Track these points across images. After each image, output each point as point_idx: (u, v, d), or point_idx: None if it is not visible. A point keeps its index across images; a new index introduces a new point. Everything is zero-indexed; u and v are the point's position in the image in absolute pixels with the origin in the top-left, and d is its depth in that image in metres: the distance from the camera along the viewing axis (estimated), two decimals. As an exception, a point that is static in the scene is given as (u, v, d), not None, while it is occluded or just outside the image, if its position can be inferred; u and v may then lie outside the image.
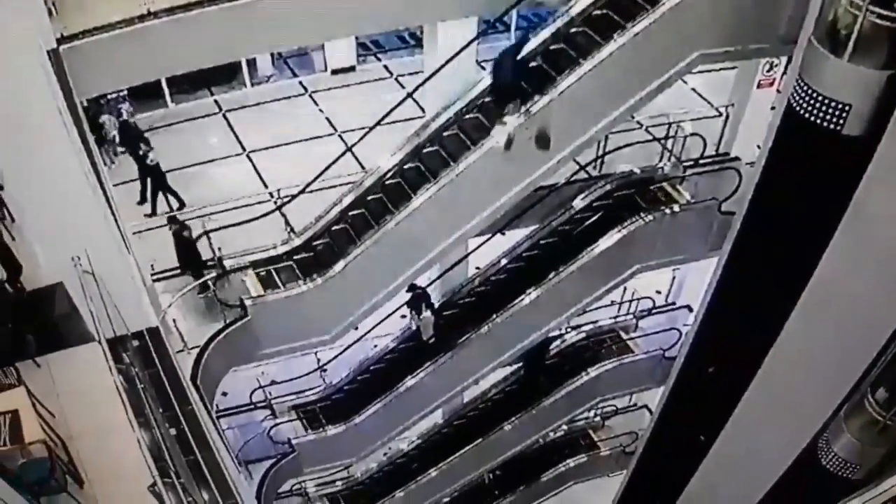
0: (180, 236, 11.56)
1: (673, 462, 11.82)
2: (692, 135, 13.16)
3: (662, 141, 13.25)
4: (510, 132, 10.38)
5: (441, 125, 11.29)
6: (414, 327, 13.34)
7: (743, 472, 10.25)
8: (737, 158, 13.69)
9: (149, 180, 13.73)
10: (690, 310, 15.42)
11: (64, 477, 8.39)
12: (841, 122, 6.10)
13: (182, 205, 13.66)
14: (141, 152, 13.38)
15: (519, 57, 10.41)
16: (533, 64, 10.98)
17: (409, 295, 12.51)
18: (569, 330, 16.10)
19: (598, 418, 19.16)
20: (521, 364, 15.64)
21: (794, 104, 6.39)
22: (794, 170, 7.22)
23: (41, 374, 9.46)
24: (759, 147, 7.79)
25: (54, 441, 8.57)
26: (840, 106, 6.01)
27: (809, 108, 6.22)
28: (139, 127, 15.16)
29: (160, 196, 13.77)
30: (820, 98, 6.10)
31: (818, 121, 6.21)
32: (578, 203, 12.81)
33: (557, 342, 16.04)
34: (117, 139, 14.76)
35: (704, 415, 10.56)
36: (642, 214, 12.31)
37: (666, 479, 12.20)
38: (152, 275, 11.55)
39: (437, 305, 13.19)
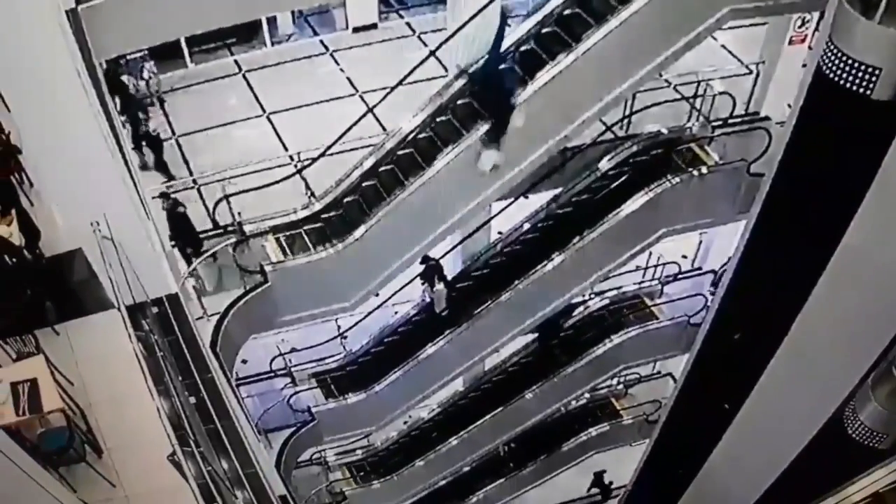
0: (174, 213, 11.59)
1: (697, 431, 11.94)
2: (721, 93, 13.11)
3: (691, 100, 13.22)
4: (495, 161, 10.73)
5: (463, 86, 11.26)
6: (428, 299, 13.50)
7: (768, 441, 10.36)
8: (767, 118, 13.62)
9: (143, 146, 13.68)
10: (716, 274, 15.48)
11: (83, 446, 8.56)
12: (871, 86, 6.10)
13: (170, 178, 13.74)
14: (141, 122, 13.40)
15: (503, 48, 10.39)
16: (547, 30, 10.99)
17: (422, 267, 12.59)
18: (592, 296, 16.18)
19: (620, 386, 19.30)
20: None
21: (824, 67, 6.40)
22: (823, 134, 7.21)
23: (60, 341, 9.64)
24: (789, 106, 7.83)
25: (73, 410, 8.77)
26: (870, 69, 6.01)
27: (838, 72, 6.22)
28: (151, 89, 15.31)
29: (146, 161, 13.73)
30: (849, 61, 6.09)
31: (847, 84, 6.21)
32: (604, 165, 12.81)
33: (580, 308, 16.11)
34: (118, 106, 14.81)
35: (729, 383, 10.63)
36: (669, 176, 12.32)
37: (689, 448, 12.34)
38: (171, 239, 11.66)
39: (450, 278, 13.29)
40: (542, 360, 16.32)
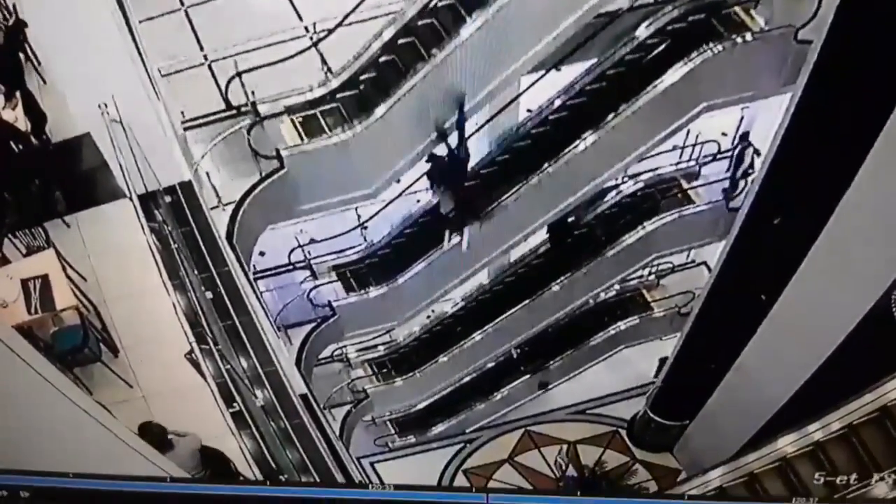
0: None
1: (731, 323, 12.15)
2: (770, -52, 12.76)
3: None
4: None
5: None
6: (435, 200, 13.51)
7: (805, 333, 10.55)
8: (817, -23, 13.28)
9: None
10: (758, 154, 15.37)
11: (98, 345, 8.73)
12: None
13: None
14: None
15: None
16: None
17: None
18: (625, 179, 16.08)
19: (652, 277, 19.30)
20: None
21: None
22: (869, 13, 7.19)
23: (71, 234, 9.77)
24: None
25: (87, 307, 8.92)
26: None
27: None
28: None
29: None
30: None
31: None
32: (642, 32, 12.54)
33: (612, 193, 16.09)
34: None
35: (767, 272, 10.80)
36: (711, 45, 12.11)
37: (722, 341, 12.59)
38: (183, 122, 11.66)
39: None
40: (571, 250, 16.41)
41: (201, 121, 11.82)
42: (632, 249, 16.13)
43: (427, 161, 12.39)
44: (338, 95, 11.83)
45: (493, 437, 19.87)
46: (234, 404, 8.67)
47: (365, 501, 4.30)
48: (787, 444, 10.83)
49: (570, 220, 15.79)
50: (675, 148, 15.67)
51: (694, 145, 15.90)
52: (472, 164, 13.65)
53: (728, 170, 15.71)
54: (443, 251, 14.09)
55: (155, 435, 7.51)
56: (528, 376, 19.61)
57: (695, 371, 14.10)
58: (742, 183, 15.12)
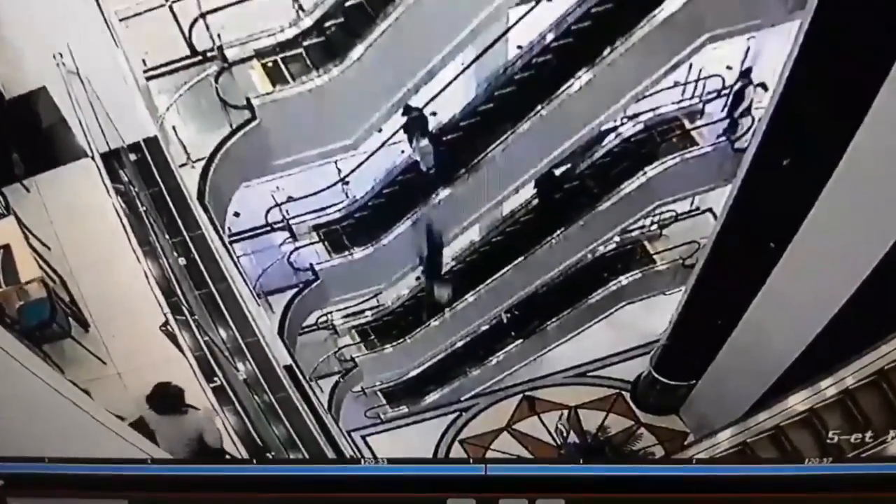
0: None
1: (738, 274, 12.14)
2: None
3: None
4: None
5: None
6: (417, 157, 13.42)
7: (817, 282, 10.53)
8: None
9: None
10: (765, 88, 15.27)
11: (66, 319, 8.61)
12: None
13: None
14: None
15: None
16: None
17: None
18: (623, 121, 15.95)
19: (654, 227, 19.19)
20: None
21: None
22: None
23: (31, 199, 9.59)
24: None
25: (53, 278, 8.79)
26: None
27: None
28: None
29: None
30: None
31: None
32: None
33: (610, 136, 15.97)
34: None
35: (777, 216, 10.75)
36: (714, -32, 11.91)
37: (730, 294, 12.58)
38: (145, 72, 11.45)
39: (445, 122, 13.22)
40: (564, 203, 16.31)
41: (165, 69, 11.61)
42: (632, 198, 16.04)
43: (403, 114, 12.32)
44: (305, 43, 11.67)
45: (489, 405, 19.95)
46: (215, 378, 8.62)
47: (357, 477, 4.26)
48: (799, 401, 10.84)
49: (557, 173, 15.64)
50: (676, 84, 15.54)
51: (696, 81, 15.74)
52: (455, 112, 13.65)
53: (723, 108, 15.58)
54: (431, 206, 13.99)
55: (171, 398, 7.53)
56: (522, 340, 19.60)
57: (701, 327, 14.12)
58: (743, 123, 14.98)
